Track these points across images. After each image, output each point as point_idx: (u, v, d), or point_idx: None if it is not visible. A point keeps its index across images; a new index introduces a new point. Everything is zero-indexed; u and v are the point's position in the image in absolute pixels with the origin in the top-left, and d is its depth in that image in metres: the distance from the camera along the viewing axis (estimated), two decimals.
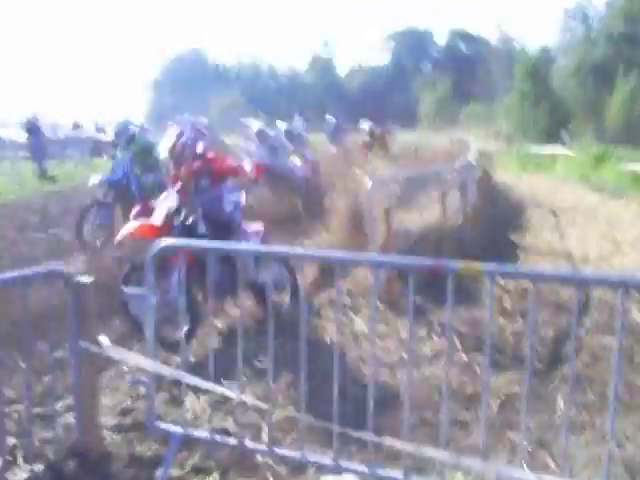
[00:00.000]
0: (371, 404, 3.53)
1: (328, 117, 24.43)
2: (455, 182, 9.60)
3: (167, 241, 3.64)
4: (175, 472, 3.84)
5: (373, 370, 3.74)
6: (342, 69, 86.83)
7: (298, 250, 3.32)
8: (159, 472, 3.68)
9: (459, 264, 2.80)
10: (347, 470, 3.60)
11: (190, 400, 4.21)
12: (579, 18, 68.17)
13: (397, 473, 3.54)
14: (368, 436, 3.51)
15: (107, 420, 4.37)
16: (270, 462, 3.95)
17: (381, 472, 3.54)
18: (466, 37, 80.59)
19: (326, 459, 3.65)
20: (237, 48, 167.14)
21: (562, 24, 69.30)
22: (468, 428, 4.53)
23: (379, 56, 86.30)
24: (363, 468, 3.58)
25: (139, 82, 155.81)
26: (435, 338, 6.13)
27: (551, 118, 42.95)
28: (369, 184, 7.07)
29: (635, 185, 20.10)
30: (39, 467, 3.74)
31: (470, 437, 4.37)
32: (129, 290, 3.72)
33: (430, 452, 3.43)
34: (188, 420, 4.19)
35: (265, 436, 4.15)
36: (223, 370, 4.69)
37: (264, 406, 3.73)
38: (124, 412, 4.56)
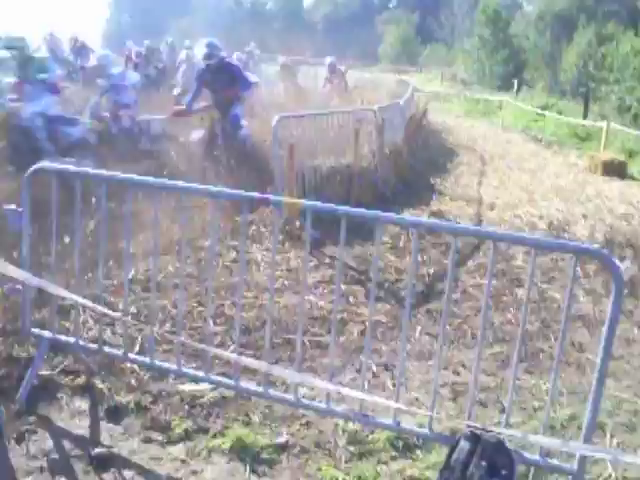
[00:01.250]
0: (237, 325, 3.86)
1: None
2: (372, 122, 9.87)
3: (43, 164, 3.92)
4: (45, 373, 4.19)
5: (239, 296, 4.06)
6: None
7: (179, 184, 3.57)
8: (28, 374, 4.01)
9: (283, 199, 3.10)
10: (206, 380, 3.95)
11: (75, 313, 4.50)
12: None
13: (252, 385, 3.90)
14: (230, 355, 3.87)
15: None
16: (136, 368, 4.32)
17: (240, 384, 3.87)
18: None
19: (190, 370, 4.01)
20: None
21: None
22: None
23: None
24: (222, 379, 3.93)
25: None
26: (323, 270, 6.52)
27: (508, 66, 43.14)
28: (274, 120, 7.31)
29: (571, 138, 20.63)
30: None
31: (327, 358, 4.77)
32: (6, 206, 3.98)
33: (277, 370, 3.81)
34: (66, 328, 4.54)
35: (137, 347, 4.55)
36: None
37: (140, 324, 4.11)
38: (9, 319, 4.86)
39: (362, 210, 3.30)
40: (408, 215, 8.26)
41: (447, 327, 5.44)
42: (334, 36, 66.89)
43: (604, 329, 3.08)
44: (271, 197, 3.11)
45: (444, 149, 15.62)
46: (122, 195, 3.95)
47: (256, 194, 3.19)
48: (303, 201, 3.18)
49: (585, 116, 23.93)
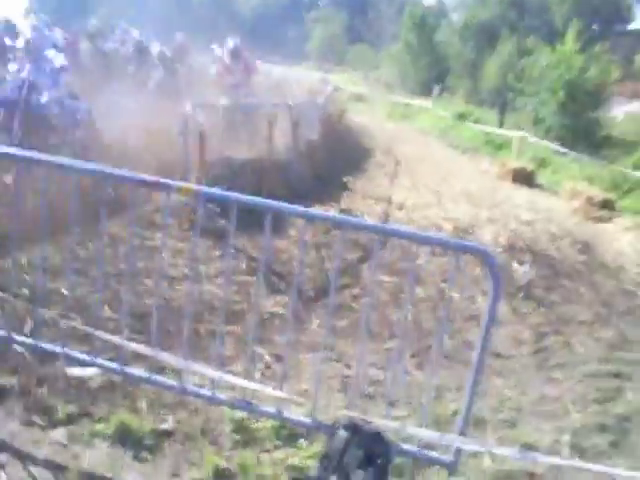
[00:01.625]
0: (124, 309, 3.82)
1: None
2: (287, 117, 9.91)
3: None
4: None
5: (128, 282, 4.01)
6: None
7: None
8: None
9: (175, 183, 3.08)
10: (92, 364, 3.88)
11: None
12: None
13: (139, 370, 3.86)
14: (119, 340, 3.81)
15: None
16: (24, 352, 4.21)
17: (125, 369, 3.83)
18: None
19: (76, 353, 3.93)
20: None
21: None
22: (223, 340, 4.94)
23: None
24: (108, 363, 3.88)
25: None
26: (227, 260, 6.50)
27: (431, 72, 43.85)
28: (187, 107, 7.25)
29: (486, 146, 21.14)
30: None
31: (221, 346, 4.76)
32: None
33: (165, 357, 3.77)
34: None
35: (26, 328, 4.44)
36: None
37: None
38: None
39: (253, 198, 3.30)
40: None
41: (344, 321, 5.55)
42: (262, 31, 66.67)
43: (482, 324, 3.19)
44: (163, 181, 3.08)
45: (361, 149, 15.76)
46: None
47: (147, 177, 3.16)
48: (194, 186, 3.17)
49: (501, 125, 24.56)
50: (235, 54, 13.99)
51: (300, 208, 3.19)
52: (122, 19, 27.23)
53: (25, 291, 5.06)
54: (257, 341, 4.95)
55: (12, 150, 3.83)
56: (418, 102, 28.80)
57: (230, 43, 13.24)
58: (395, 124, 25.52)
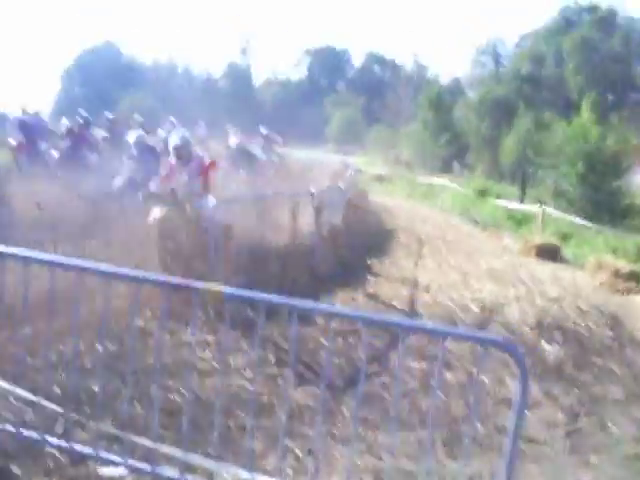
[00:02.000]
0: (156, 409, 3.87)
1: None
2: (310, 203, 10.09)
3: None
4: None
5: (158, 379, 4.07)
6: (257, 79, 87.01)
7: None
8: None
9: (204, 285, 3.18)
10: (124, 465, 3.92)
11: None
12: (490, 54, 70.95)
13: (170, 471, 3.88)
14: (150, 443, 3.85)
15: None
16: (56, 453, 4.25)
17: (158, 470, 3.86)
18: (381, 61, 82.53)
19: (108, 455, 3.97)
20: (153, 46, 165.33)
21: (473, 58, 71.97)
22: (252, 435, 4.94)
23: (295, 70, 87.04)
24: (140, 464, 3.91)
25: (49, 71, 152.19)
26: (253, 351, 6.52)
27: (449, 149, 44.43)
28: (211, 202, 7.43)
29: (508, 221, 21.20)
30: None
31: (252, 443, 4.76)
32: None
33: (196, 459, 3.80)
34: None
35: (59, 428, 4.49)
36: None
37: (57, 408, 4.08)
38: None
39: (280, 297, 3.38)
40: (338, 299, 8.44)
41: (374, 410, 5.52)
42: (283, 116, 68.13)
43: (512, 410, 3.20)
44: (191, 284, 3.18)
45: (383, 231, 15.87)
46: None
47: (177, 279, 3.26)
48: (222, 288, 3.26)
49: (522, 200, 24.70)
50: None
51: (324, 306, 3.27)
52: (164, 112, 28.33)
53: (57, 390, 5.13)
54: (287, 435, 4.96)
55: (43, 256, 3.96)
56: (438, 180, 29.08)
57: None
58: (416, 203, 25.76)
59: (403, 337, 3.40)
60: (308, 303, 3.34)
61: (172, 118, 20.24)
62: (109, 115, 19.82)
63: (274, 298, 3.29)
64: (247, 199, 8.96)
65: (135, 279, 3.44)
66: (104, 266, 3.55)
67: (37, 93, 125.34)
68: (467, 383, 6.45)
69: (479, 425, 5.38)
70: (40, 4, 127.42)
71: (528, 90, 52.10)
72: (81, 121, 17.17)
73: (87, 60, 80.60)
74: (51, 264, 3.82)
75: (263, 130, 20.14)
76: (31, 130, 15.82)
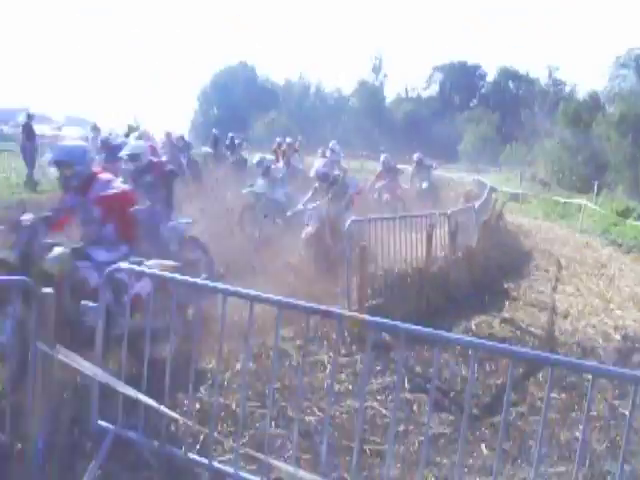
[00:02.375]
0: (295, 432, 3.92)
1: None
2: (444, 224, 10.00)
3: (122, 265, 4.17)
4: (108, 467, 4.31)
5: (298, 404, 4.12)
6: (388, 95, 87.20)
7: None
8: (92, 465, 4.14)
9: (345, 313, 3.19)
10: None
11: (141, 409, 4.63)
12: (631, 66, 67.97)
13: None
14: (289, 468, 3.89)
15: (60, 414, 4.88)
16: (199, 471, 4.39)
17: None
18: (515, 75, 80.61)
19: (247, 475, 4.06)
20: (286, 65, 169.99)
21: (612, 71, 69.11)
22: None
23: (426, 87, 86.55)
24: None
25: (187, 91, 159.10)
26: (388, 375, 6.49)
27: (588, 167, 42.77)
28: (347, 222, 7.47)
29: None
30: None
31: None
32: (84, 302, 4.22)
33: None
34: (131, 424, 4.69)
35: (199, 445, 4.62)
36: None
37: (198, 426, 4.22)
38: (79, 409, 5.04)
39: (420, 328, 3.33)
40: (474, 323, 8.30)
41: (510, 443, 5.36)
42: (415, 134, 68.06)
43: None
44: (334, 311, 3.20)
45: (519, 252, 15.45)
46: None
47: (320, 307, 3.30)
48: (364, 317, 3.26)
49: None
50: (386, 166, 17.95)
51: (466, 338, 3.19)
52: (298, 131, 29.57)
53: (197, 406, 5.29)
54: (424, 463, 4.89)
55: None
56: (576, 200, 28.05)
57: (382, 157, 13.80)
58: (553, 223, 24.97)
59: (551, 372, 3.26)
60: (451, 335, 3.28)
61: (332, 143, 21.32)
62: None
63: (416, 329, 3.26)
64: (384, 219, 8.93)
65: (276, 303, 3.50)
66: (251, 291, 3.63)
67: (174, 113, 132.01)
68: (609, 416, 6.15)
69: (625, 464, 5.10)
70: (177, 24, 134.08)
71: None
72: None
73: (223, 80, 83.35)
74: (197, 286, 3.95)
75: (416, 156, 20.74)
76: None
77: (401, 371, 5.97)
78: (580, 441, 3.19)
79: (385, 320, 3.32)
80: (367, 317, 3.24)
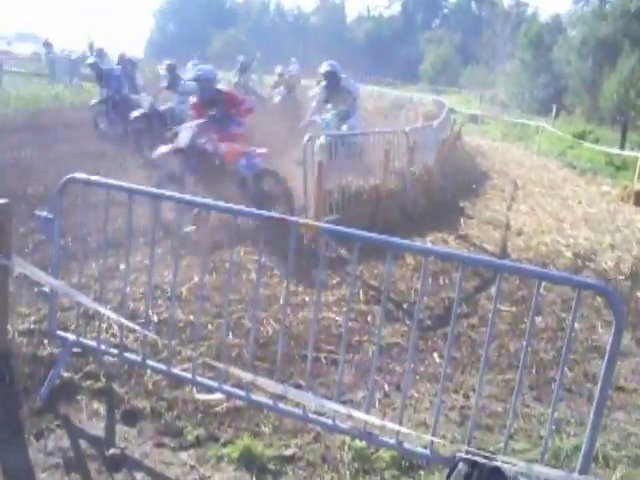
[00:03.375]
0: (252, 340, 4.00)
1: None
2: (403, 143, 10.02)
3: (77, 175, 4.12)
4: (67, 374, 4.37)
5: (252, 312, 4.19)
6: (349, 15, 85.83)
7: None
8: (51, 373, 4.19)
9: (298, 221, 3.22)
10: (219, 390, 4.08)
11: (98, 319, 4.66)
12: None
13: (263, 397, 4.02)
14: (246, 375, 3.98)
15: (17, 325, 4.91)
16: (154, 375, 4.47)
17: (250, 396, 4.00)
18: None
19: (205, 380, 4.14)
20: None
21: None
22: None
23: (388, 6, 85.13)
24: (234, 390, 4.06)
25: (143, 8, 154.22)
26: (345, 288, 6.59)
27: (548, 90, 42.88)
28: (304, 139, 7.45)
29: (607, 167, 20.51)
30: None
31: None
32: (38, 212, 4.18)
33: (291, 392, 3.89)
34: (89, 332, 4.75)
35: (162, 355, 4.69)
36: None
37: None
38: (38, 321, 5.06)
39: (374, 235, 3.39)
40: (429, 239, 8.42)
41: (463, 351, 5.54)
42: (376, 53, 67.25)
43: (603, 363, 3.16)
44: (288, 219, 3.23)
45: (477, 173, 15.62)
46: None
47: (274, 214, 3.33)
48: (318, 224, 3.30)
49: (622, 145, 23.76)
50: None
51: (420, 245, 3.26)
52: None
53: (155, 318, 5.35)
54: (377, 370, 5.04)
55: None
56: (535, 122, 28.22)
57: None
58: (511, 145, 25.18)
59: (500, 277, 3.36)
60: (404, 242, 3.35)
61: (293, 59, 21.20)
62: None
63: (370, 236, 3.31)
64: (341, 136, 8.92)
65: (231, 211, 3.52)
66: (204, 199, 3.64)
67: (130, 32, 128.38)
68: (557, 328, 6.37)
69: (568, 371, 5.32)
70: None
71: (636, 28, 49.27)
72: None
73: None
74: (152, 195, 3.95)
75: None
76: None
77: (355, 281, 6.10)
78: (524, 347, 3.27)
79: (339, 227, 3.36)
80: (321, 224, 3.28)
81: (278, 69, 20.09)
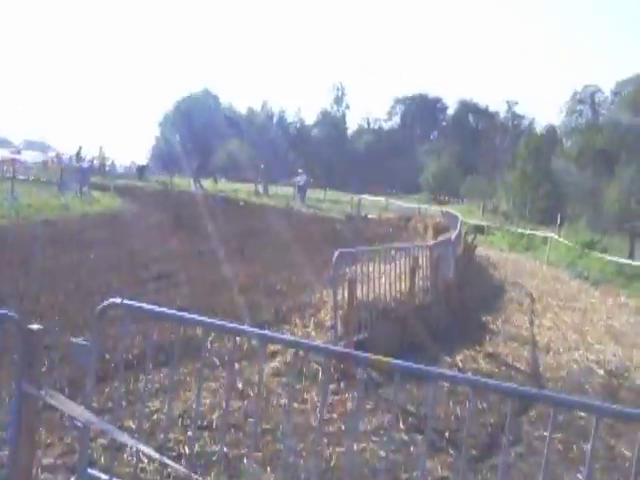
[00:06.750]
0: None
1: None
2: (427, 257, 9.87)
3: (114, 300, 3.87)
4: None
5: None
6: (350, 126, 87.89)
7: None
8: None
9: (369, 357, 2.97)
10: None
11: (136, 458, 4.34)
12: (587, 102, 69.50)
13: None
14: None
15: (43, 460, 4.56)
16: None
17: None
18: (474, 108, 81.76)
19: None
20: (249, 93, 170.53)
21: (569, 106, 70.71)
22: None
23: (387, 118, 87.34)
24: None
25: (148, 117, 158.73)
26: (380, 414, 6.24)
27: (549, 200, 43.34)
28: (334, 255, 7.27)
29: (618, 277, 20.36)
30: None
31: None
32: (74, 340, 3.91)
33: None
34: (124, 471, 4.40)
35: None
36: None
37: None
38: (63, 454, 4.72)
39: (418, 367, 3.14)
40: (459, 358, 8.14)
41: None
42: (376, 165, 68.54)
43: None
44: (354, 354, 2.99)
45: (491, 285, 15.46)
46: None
47: (339, 349, 3.09)
48: (392, 361, 3.03)
49: (631, 253, 23.72)
50: None
51: (470, 377, 3.00)
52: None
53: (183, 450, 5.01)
54: None
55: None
56: (541, 232, 28.31)
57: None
58: (519, 255, 25.13)
59: (553, 413, 3.08)
60: (446, 373, 3.09)
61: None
62: None
63: (411, 367, 3.09)
64: (369, 250, 8.77)
65: (299, 345, 3.28)
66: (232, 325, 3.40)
67: (136, 141, 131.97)
68: (608, 456, 6.00)
69: None
70: (140, 50, 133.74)
71: (631, 139, 50.38)
72: None
73: (186, 107, 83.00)
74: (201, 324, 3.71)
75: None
76: None
77: (395, 410, 5.76)
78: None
79: (411, 364, 3.10)
80: (395, 361, 3.00)
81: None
